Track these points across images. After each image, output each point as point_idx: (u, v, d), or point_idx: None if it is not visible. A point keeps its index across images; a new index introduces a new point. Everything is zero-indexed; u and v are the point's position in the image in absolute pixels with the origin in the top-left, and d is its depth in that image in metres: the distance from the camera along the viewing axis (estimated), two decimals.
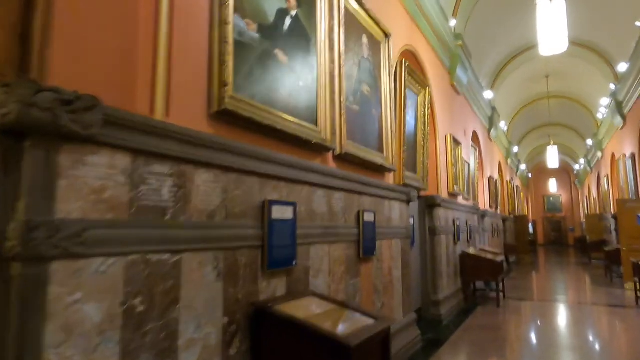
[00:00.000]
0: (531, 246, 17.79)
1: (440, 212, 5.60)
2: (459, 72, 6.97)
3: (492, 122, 10.86)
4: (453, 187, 6.34)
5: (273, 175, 2.18)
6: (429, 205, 5.45)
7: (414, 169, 4.92)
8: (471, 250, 6.85)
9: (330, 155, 2.84)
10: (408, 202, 4.29)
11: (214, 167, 1.82)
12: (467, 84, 7.80)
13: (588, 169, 18.87)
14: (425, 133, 5.25)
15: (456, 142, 6.72)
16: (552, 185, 27.45)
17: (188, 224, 1.66)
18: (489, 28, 8.12)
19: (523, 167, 20.09)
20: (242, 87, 2.00)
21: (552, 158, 16.13)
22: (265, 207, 2.09)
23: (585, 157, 18.45)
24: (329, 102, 2.72)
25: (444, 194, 5.97)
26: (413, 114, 5.05)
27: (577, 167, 22.61)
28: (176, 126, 1.61)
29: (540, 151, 20.58)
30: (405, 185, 4.36)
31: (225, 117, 1.89)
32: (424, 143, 5.23)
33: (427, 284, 5.30)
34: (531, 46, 10.21)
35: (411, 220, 4.88)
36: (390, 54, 3.94)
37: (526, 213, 21.30)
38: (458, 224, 6.45)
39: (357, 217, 3.11)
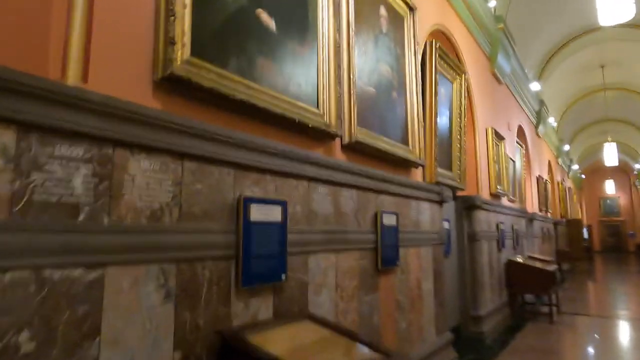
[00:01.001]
0: (586, 253, 16.34)
1: (480, 215, 4.93)
2: (501, 59, 6.25)
3: (540, 117, 9.91)
4: (496, 186, 5.62)
5: (254, 166, 1.72)
6: (468, 207, 4.80)
7: (448, 166, 4.31)
8: (518, 258, 6.09)
9: (336, 144, 2.34)
10: (441, 202, 3.71)
11: (161, 152, 1.38)
12: (511, 73, 7.03)
13: None
14: (462, 125, 4.62)
15: (499, 137, 6.00)
16: (609, 187, 25.34)
17: (115, 227, 1.23)
18: (534, 11, 7.31)
19: (575, 167, 18.57)
20: (208, 52, 1.56)
21: (611, 156, 14.73)
22: (239, 205, 1.63)
23: None
24: (333, 79, 2.23)
25: (485, 194, 5.28)
26: (447, 103, 4.45)
27: (637, 166, 20.66)
28: (95, 93, 1.18)
29: (595, 150, 18.95)
30: (438, 183, 3.77)
31: (177, 86, 1.45)
32: (460, 137, 4.60)
33: (467, 297, 4.64)
34: (584, 32, 9.23)
35: (446, 224, 4.27)
36: (416, 31, 3.39)
37: (580, 217, 19.68)
38: (502, 228, 5.73)
39: (374, 220, 2.59)
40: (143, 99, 1.37)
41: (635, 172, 22.30)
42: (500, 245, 5.60)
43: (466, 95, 4.75)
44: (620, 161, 20.45)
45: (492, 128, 5.67)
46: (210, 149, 1.53)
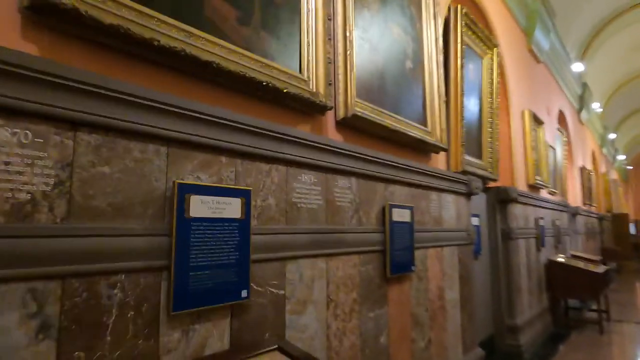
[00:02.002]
0: (634, 250, 15.08)
1: (516, 209, 4.31)
2: (538, 34, 5.54)
3: (582, 102, 9.01)
4: (534, 177, 4.96)
5: (200, 142, 1.26)
6: (501, 200, 4.18)
7: (478, 153, 3.72)
8: (560, 258, 5.39)
9: (328, 119, 1.85)
10: (469, 195, 3.15)
11: (32, 118, 0.94)
12: (550, 50, 6.29)
13: None
14: (494, 107, 4.01)
15: (537, 121, 5.31)
16: None
17: None
18: None
19: (621, 157, 17.19)
20: None
21: None
22: (174, 197, 1.17)
23: None
24: (322, 35, 1.74)
25: (521, 185, 4.64)
26: (476, 81, 3.86)
27: None
28: None
29: None
30: (465, 172, 3.21)
31: (61, 22, 0.99)
32: (492, 119, 4.00)
33: (501, 304, 4.04)
34: (634, 4, 8.27)
35: (475, 220, 3.70)
36: None
37: (626, 211, 18.26)
38: (542, 224, 5.06)
39: (382, 216, 2.08)
40: (4, 37, 0.93)
41: None
42: (540, 243, 4.94)
43: (499, 72, 4.13)
44: None
45: (529, 111, 4.99)
46: (126, 117, 1.08)
